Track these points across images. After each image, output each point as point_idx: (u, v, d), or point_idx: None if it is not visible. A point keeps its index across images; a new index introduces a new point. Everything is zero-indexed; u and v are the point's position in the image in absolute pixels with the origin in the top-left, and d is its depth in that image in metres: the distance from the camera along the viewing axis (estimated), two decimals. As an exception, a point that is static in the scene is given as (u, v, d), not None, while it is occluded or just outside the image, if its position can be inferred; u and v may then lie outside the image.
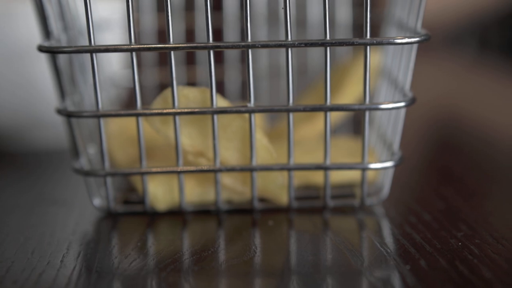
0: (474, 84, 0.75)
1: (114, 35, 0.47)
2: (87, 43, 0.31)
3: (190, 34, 0.52)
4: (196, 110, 0.32)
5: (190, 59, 0.52)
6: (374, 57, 0.40)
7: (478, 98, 0.67)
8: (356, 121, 0.48)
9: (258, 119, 0.40)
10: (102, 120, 0.32)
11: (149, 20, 0.51)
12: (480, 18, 1.10)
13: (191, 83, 0.50)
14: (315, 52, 0.50)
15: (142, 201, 0.34)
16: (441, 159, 0.46)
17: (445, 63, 0.86)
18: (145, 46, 0.31)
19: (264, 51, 0.52)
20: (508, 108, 0.61)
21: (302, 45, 0.31)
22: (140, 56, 0.50)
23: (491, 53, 1.06)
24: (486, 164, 0.44)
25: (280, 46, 0.31)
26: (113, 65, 0.48)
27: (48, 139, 0.47)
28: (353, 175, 0.36)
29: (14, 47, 0.44)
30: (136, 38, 0.31)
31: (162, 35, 0.49)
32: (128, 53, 0.46)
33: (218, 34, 0.51)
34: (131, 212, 0.35)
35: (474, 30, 1.11)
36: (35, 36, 0.43)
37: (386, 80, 0.41)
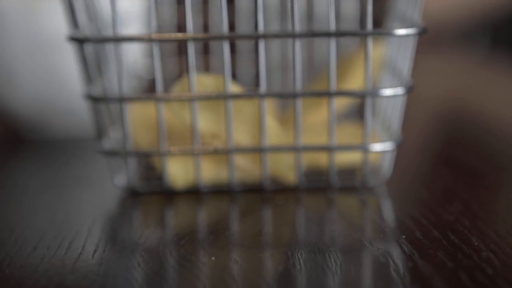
0: (484, 80, 0.75)
1: (131, 29, 0.48)
2: (109, 35, 0.34)
3: (204, 28, 0.55)
4: (211, 95, 0.34)
5: (203, 50, 0.56)
6: (378, 48, 0.42)
7: (487, 93, 0.68)
8: (361, 111, 0.50)
9: (269, 106, 0.43)
10: (125, 104, 0.35)
11: (166, 14, 0.54)
12: (492, 14, 1.10)
13: (205, 71, 0.53)
14: (323, 47, 0.52)
15: (161, 179, 0.37)
16: (444, 147, 0.48)
17: (455, 59, 0.87)
18: (167, 36, 0.34)
19: (276, 44, 0.55)
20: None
21: (309, 35, 0.34)
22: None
23: (502, 50, 1.07)
24: (486, 150, 0.46)
25: (288, 36, 0.34)
26: (131, 56, 0.50)
27: (70, 127, 0.49)
28: (357, 158, 0.39)
29: (38, 37, 0.46)
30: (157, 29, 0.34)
31: (179, 29, 0.52)
32: (146, 45, 0.49)
33: (230, 27, 0.54)
34: (151, 191, 0.38)
35: (485, 27, 1.12)
36: (59, 27, 0.45)
37: (391, 72, 0.43)
